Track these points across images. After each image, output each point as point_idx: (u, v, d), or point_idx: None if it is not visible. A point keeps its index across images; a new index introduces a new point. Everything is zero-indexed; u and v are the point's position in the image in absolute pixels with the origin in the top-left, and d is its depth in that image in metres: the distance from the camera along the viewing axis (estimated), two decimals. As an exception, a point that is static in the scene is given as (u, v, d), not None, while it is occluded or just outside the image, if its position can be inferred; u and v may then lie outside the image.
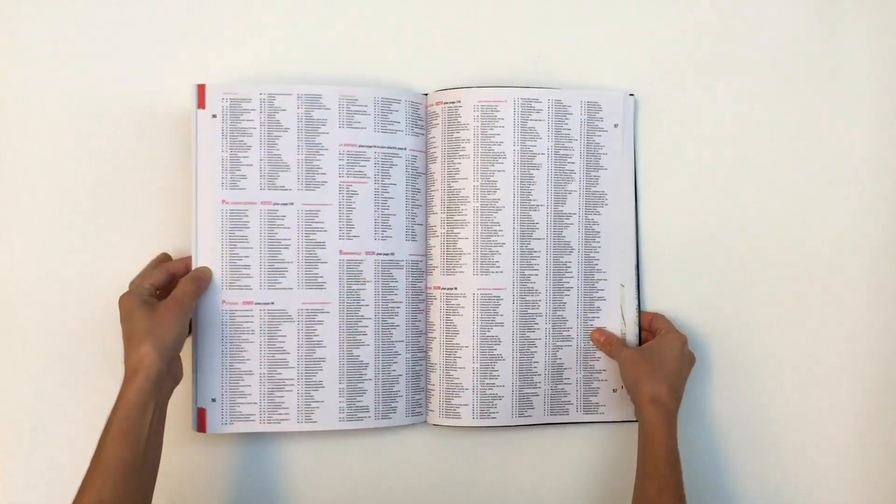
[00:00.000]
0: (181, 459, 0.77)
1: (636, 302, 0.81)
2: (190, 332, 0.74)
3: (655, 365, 0.74)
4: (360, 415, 0.76)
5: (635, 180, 0.82)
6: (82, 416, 0.77)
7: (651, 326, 0.80)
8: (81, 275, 0.79)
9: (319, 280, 0.75)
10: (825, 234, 0.84)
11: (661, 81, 0.83)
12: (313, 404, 0.75)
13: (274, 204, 0.75)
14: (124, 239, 0.79)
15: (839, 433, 0.83)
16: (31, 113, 0.79)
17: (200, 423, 0.74)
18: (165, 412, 0.67)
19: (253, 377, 0.74)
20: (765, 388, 0.83)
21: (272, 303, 0.75)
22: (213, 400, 0.74)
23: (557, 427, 0.81)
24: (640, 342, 0.81)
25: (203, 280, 0.73)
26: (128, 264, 0.75)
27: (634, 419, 0.77)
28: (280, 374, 0.75)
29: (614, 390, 0.80)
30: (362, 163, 0.77)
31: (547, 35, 0.83)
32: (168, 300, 0.69)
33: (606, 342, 0.80)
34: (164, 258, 0.75)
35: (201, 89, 0.75)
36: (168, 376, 0.67)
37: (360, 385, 0.76)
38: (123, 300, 0.68)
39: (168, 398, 0.68)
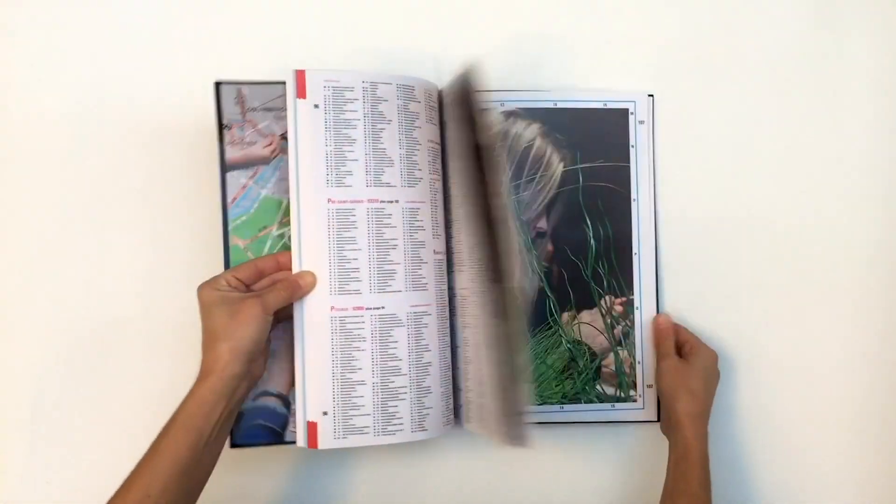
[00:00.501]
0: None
1: (656, 308, 0.82)
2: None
3: (691, 379, 0.74)
4: (454, 419, 0.76)
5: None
6: (82, 416, 0.76)
7: (676, 338, 0.79)
8: (82, 275, 0.78)
9: (423, 282, 0.72)
10: (829, 233, 0.84)
11: (664, 83, 0.84)
12: (424, 411, 0.72)
13: (381, 202, 0.70)
14: (125, 239, 0.78)
15: (840, 433, 0.84)
16: (34, 115, 0.78)
17: (311, 438, 0.69)
18: (235, 416, 0.65)
19: (366, 387, 0.70)
20: (765, 387, 0.83)
21: (383, 307, 0.70)
22: (325, 413, 0.69)
23: (575, 425, 0.81)
24: None
25: (302, 289, 0.68)
26: (128, 264, 0.76)
27: (655, 420, 0.80)
28: (393, 382, 0.71)
29: (649, 386, 0.81)
30: (438, 160, 0.75)
31: (560, 37, 0.84)
32: (253, 299, 0.64)
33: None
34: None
35: (300, 76, 0.68)
36: (244, 379, 0.64)
37: (454, 389, 0.75)
38: (202, 292, 0.65)
39: (242, 402, 0.65)
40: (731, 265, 0.84)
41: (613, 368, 0.81)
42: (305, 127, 0.68)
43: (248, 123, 0.74)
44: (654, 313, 0.81)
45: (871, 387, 0.84)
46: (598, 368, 0.81)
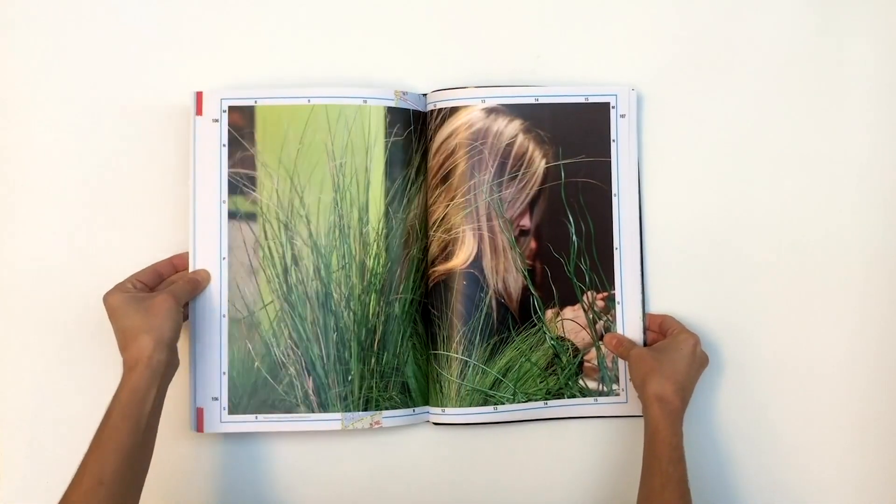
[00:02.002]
0: (176, 458, 0.79)
1: (641, 303, 0.82)
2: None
3: (664, 363, 0.74)
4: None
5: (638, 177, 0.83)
6: (82, 416, 0.74)
7: (661, 328, 0.81)
8: (81, 274, 0.79)
9: None
10: (825, 231, 0.84)
11: (660, 80, 0.84)
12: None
13: None
14: (123, 238, 0.80)
15: (840, 432, 0.83)
16: (31, 113, 0.80)
17: (199, 423, 0.77)
18: (163, 399, 0.69)
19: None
20: (765, 387, 0.83)
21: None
22: (214, 399, 0.77)
23: (560, 422, 0.82)
24: (645, 343, 0.82)
25: (200, 283, 0.77)
26: (127, 263, 0.76)
27: (640, 414, 0.78)
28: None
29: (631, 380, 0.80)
30: None
31: (546, 34, 0.84)
32: (162, 294, 0.71)
33: (618, 345, 0.80)
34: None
35: (199, 97, 0.78)
36: (169, 366, 0.69)
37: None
38: (109, 297, 0.70)
39: (167, 385, 0.69)
40: (719, 260, 0.84)
41: (596, 363, 0.82)
42: (202, 140, 0.78)
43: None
44: (639, 308, 0.82)
45: (866, 386, 0.84)
46: (581, 364, 0.81)
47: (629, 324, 0.82)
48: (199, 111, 0.77)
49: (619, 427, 0.83)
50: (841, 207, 0.84)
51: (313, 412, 0.78)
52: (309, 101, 0.78)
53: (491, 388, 0.80)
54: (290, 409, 0.77)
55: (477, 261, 0.80)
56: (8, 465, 0.78)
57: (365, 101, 0.79)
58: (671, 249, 0.83)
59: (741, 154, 0.84)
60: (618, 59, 0.84)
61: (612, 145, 0.82)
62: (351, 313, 0.78)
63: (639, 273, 0.82)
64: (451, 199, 0.80)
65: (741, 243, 0.84)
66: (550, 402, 0.81)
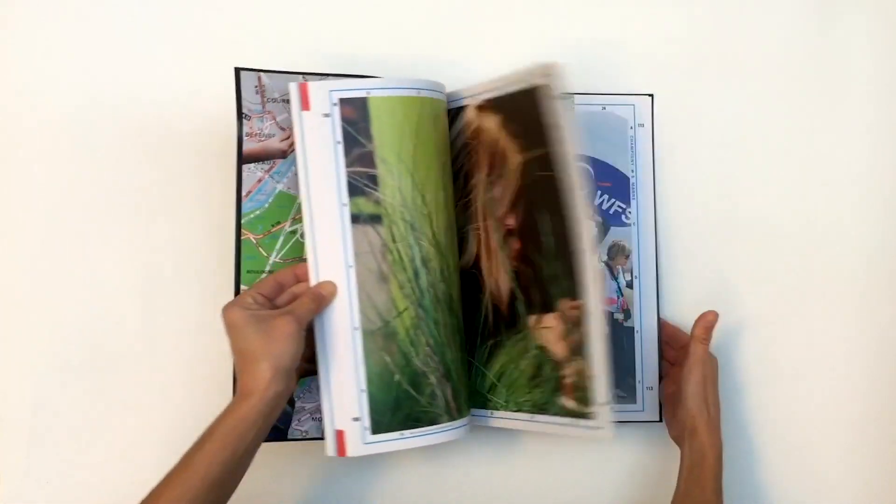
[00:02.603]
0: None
1: (656, 310, 0.81)
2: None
3: (707, 387, 0.73)
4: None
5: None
6: (82, 416, 0.77)
7: (672, 340, 0.80)
8: (82, 276, 0.79)
9: None
10: (831, 231, 0.85)
11: (664, 84, 0.84)
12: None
13: None
14: (125, 239, 0.79)
15: (840, 432, 0.84)
16: (34, 114, 0.80)
17: (340, 446, 0.70)
18: (269, 430, 0.65)
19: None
20: (765, 387, 0.84)
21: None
22: (355, 419, 0.70)
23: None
24: (660, 353, 0.80)
25: (325, 299, 0.70)
26: (128, 265, 0.77)
27: (659, 419, 0.79)
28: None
29: (649, 388, 0.80)
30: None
31: (561, 40, 0.85)
32: (284, 315, 0.65)
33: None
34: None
35: (303, 88, 0.70)
36: (285, 397, 0.65)
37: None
38: (229, 313, 0.64)
39: (277, 415, 0.65)
40: (732, 266, 0.85)
41: (572, 381, 0.73)
42: (313, 137, 0.70)
43: (267, 115, 0.74)
44: (655, 315, 0.81)
45: (873, 387, 0.84)
46: (559, 378, 0.74)
47: (647, 331, 0.81)
48: (305, 105, 0.69)
49: (634, 433, 0.83)
50: (850, 208, 0.85)
51: (453, 420, 0.74)
52: (419, 92, 0.73)
53: (489, 392, 0.79)
54: (434, 421, 0.73)
55: (477, 261, 0.80)
56: (8, 465, 0.77)
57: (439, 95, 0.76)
58: (680, 253, 0.84)
59: (748, 158, 0.85)
60: (622, 63, 0.85)
61: (630, 153, 0.82)
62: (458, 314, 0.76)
63: (655, 279, 0.81)
64: (459, 200, 0.81)
65: (748, 246, 0.85)
66: (537, 417, 0.76)
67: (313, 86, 0.70)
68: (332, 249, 0.70)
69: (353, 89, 0.70)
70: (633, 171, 0.82)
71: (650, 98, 0.83)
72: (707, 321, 0.76)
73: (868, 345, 0.85)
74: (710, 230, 0.84)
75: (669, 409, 0.76)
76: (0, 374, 0.78)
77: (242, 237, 0.74)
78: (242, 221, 0.74)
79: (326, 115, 0.70)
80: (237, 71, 0.73)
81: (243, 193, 0.74)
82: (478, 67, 0.81)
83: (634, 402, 0.80)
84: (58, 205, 0.79)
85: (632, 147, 0.83)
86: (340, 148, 0.70)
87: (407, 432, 0.71)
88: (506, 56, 0.81)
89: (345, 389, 0.70)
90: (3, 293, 0.78)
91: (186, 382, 0.77)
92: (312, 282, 0.70)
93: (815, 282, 0.85)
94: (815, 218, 0.85)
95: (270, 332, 0.63)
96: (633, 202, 0.82)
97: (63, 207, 0.79)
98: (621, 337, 0.81)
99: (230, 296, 0.72)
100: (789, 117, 0.85)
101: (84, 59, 0.80)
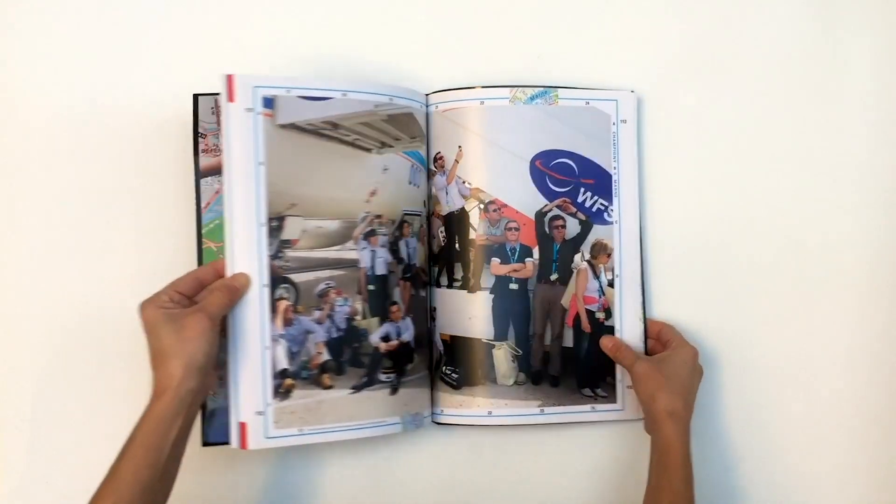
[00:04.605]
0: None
1: (642, 308, 0.81)
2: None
3: (671, 378, 0.73)
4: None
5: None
6: (82, 416, 0.77)
7: (660, 337, 0.80)
8: (81, 276, 0.79)
9: None
10: (826, 233, 0.84)
11: (660, 81, 0.83)
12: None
13: None
14: (123, 240, 0.80)
15: (834, 434, 0.83)
16: (32, 116, 0.80)
17: (242, 439, 0.70)
18: (191, 428, 0.65)
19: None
20: (764, 389, 0.83)
21: None
22: (259, 413, 0.71)
23: (561, 427, 0.81)
24: (646, 350, 0.80)
25: (238, 291, 0.70)
26: (127, 266, 0.78)
27: (641, 417, 0.77)
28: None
29: (629, 386, 0.79)
30: None
31: (547, 34, 0.84)
32: (196, 312, 0.65)
33: (615, 348, 0.79)
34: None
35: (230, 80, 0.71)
36: (199, 394, 0.65)
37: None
38: (144, 310, 0.65)
39: (196, 413, 0.65)
40: (719, 262, 0.84)
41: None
42: (235, 130, 0.71)
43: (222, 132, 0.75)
44: (638, 314, 0.81)
45: (866, 388, 0.84)
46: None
47: (627, 330, 0.81)
48: (230, 97, 0.71)
49: (614, 431, 0.82)
50: (841, 208, 0.84)
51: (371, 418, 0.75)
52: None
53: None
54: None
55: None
56: (8, 465, 0.77)
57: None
58: (670, 252, 0.83)
59: (741, 156, 0.84)
60: (617, 61, 0.84)
61: (613, 149, 0.81)
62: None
63: (639, 278, 0.81)
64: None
65: (740, 245, 0.84)
66: (546, 409, 0.79)
67: (239, 78, 0.71)
68: (247, 242, 0.71)
69: (275, 87, 0.72)
70: (615, 167, 0.82)
71: (633, 94, 0.82)
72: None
73: (868, 346, 0.84)
74: (700, 229, 0.83)
75: (641, 403, 0.75)
76: (0, 374, 0.78)
77: (204, 246, 0.77)
78: (203, 231, 0.77)
79: (249, 110, 0.71)
80: (195, 97, 0.77)
81: (203, 205, 0.78)
82: (464, 64, 0.83)
83: (615, 401, 0.80)
84: (57, 206, 0.80)
85: (614, 143, 0.82)
86: (261, 143, 0.72)
87: (307, 428, 0.72)
88: (495, 50, 0.83)
89: (250, 382, 0.70)
90: (3, 293, 0.79)
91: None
92: (228, 274, 0.70)
93: (808, 281, 0.84)
94: (814, 219, 0.84)
95: (182, 331, 0.63)
96: (615, 199, 0.82)
97: (63, 208, 0.80)
98: (602, 336, 0.81)
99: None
100: (782, 114, 0.84)
101: (68, 64, 0.81)
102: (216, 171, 0.77)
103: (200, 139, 0.78)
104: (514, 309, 0.79)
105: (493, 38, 0.83)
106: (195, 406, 0.65)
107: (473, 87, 0.80)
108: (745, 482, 0.82)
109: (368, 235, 0.76)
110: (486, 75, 0.82)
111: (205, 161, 0.78)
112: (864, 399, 0.83)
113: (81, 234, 0.80)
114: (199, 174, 0.77)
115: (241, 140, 0.71)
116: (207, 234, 0.77)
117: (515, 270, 0.79)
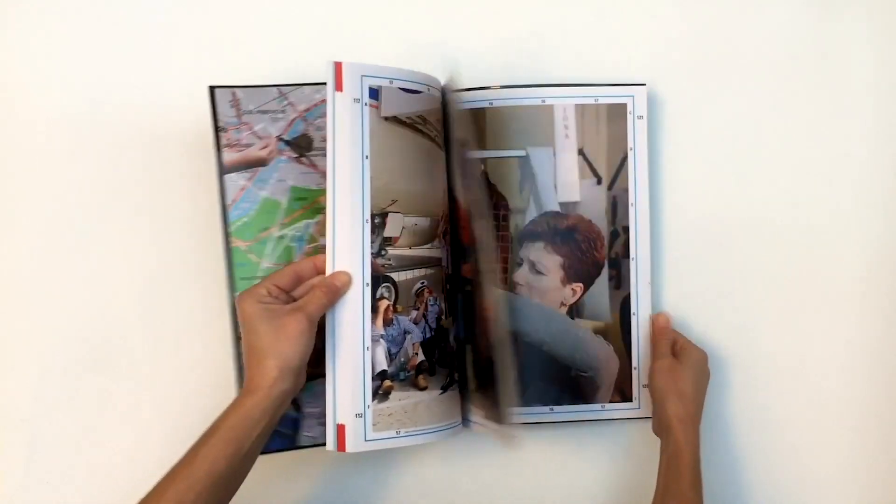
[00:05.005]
0: None
1: (650, 305, 0.81)
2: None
3: (682, 382, 0.73)
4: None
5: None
6: (82, 416, 0.77)
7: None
8: (83, 276, 0.79)
9: None
10: (833, 231, 0.83)
11: (665, 79, 0.83)
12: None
13: None
14: (124, 240, 0.79)
15: (839, 434, 0.83)
16: (34, 116, 0.79)
17: (340, 441, 0.68)
18: (274, 428, 0.65)
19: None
20: (769, 388, 0.83)
21: None
22: (358, 415, 0.68)
23: (578, 424, 0.81)
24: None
25: (339, 290, 0.67)
26: (127, 266, 0.77)
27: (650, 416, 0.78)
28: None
29: (645, 385, 0.80)
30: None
31: (555, 29, 0.84)
32: (295, 312, 0.64)
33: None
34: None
35: (338, 68, 0.68)
36: (291, 394, 0.64)
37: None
38: (242, 303, 0.64)
39: (282, 414, 0.65)
40: (731, 264, 0.84)
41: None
42: (342, 121, 0.68)
43: (243, 126, 0.75)
44: (649, 314, 0.81)
45: (871, 388, 0.83)
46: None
47: (643, 335, 0.81)
48: (338, 86, 0.68)
49: (628, 430, 0.83)
50: (848, 206, 0.84)
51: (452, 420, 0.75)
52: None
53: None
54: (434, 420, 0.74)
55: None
56: (8, 465, 0.77)
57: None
58: (676, 252, 0.83)
59: (748, 154, 0.84)
60: (622, 57, 0.84)
61: (630, 152, 0.81)
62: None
63: (648, 279, 0.81)
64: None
65: (747, 244, 0.84)
66: (556, 408, 0.80)
67: (347, 66, 0.68)
68: (350, 239, 0.68)
69: (381, 77, 0.70)
70: (632, 164, 0.81)
71: (643, 87, 0.81)
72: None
73: (868, 345, 0.84)
74: (707, 227, 0.83)
75: (653, 402, 0.76)
76: (0, 374, 0.78)
77: (232, 245, 0.75)
78: (230, 229, 0.75)
79: (357, 101, 0.68)
80: (211, 89, 0.74)
81: (228, 202, 0.75)
82: (469, 58, 0.81)
83: (630, 399, 0.81)
84: (58, 207, 0.79)
85: (631, 147, 0.81)
86: (366, 136, 0.69)
87: (403, 430, 0.70)
88: (501, 48, 0.83)
89: (349, 384, 0.68)
90: (3, 293, 0.78)
91: (185, 384, 0.77)
92: (328, 272, 0.68)
93: (817, 281, 0.84)
94: (816, 216, 0.84)
95: (280, 330, 0.62)
96: (631, 204, 0.81)
97: (63, 209, 0.79)
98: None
99: (226, 299, 0.74)
100: (791, 111, 0.84)
101: (78, 63, 0.80)
102: (241, 166, 0.74)
103: (221, 133, 0.74)
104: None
105: (499, 35, 0.84)
106: (283, 407, 0.64)
107: (478, 89, 0.79)
108: (751, 482, 0.83)
109: (444, 234, 0.75)
110: (492, 73, 0.82)
111: (228, 156, 0.75)
112: (870, 399, 0.83)
113: (81, 233, 0.79)
114: (224, 170, 0.74)
115: (349, 132, 0.68)
116: (235, 232, 0.75)
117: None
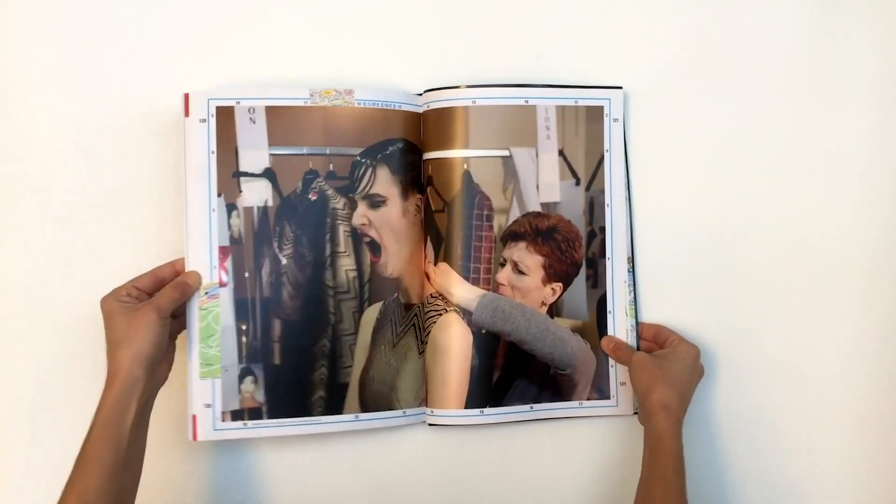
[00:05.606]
0: (166, 466, 0.79)
1: (634, 308, 0.82)
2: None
3: (668, 372, 0.75)
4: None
5: (627, 179, 0.83)
6: (82, 416, 0.74)
7: (656, 338, 0.81)
8: (80, 276, 0.79)
9: None
10: (823, 233, 0.84)
11: (655, 81, 0.83)
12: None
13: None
14: (121, 240, 0.80)
15: (840, 434, 0.84)
16: (27, 117, 0.79)
17: (193, 431, 0.75)
18: (148, 414, 0.70)
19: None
20: (764, 389, 0.84)
21: None
22: (207, 405, 0.76)
23: (558, 421, 0.83)
24: (638, 349, 0.82)
25: (191, 287, 0.75)
26: (124, 265, 0.76)
27: (635, 412, 0.80)
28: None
29: (622, 383, 0.82)
30: None
31: (543, 33, 0.84)
32: (146, 305, 0.70)
33: (616, 349, 0.81)
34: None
35: (186, 98, 0.76)
36: (147, 382, 0.68)
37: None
38: (103, 302, 0.70)
39: (150, 401, 0.70)
40: (715, 263, 0.84)
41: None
42: (193, 140, 0.76)
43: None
44: (629, 317, 0.82)
45: (865, 387, 0.84)
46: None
47: (619, 333, 0.82)
48: (186, 112, 0.76)
49: (608, 426, 0.84)
50: (839, 208, 0.84)
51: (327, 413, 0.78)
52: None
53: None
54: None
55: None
56: (8, 465, 0.78)
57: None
58: (664, 254, 0.83)
59: (736, 156, 0.84)
60: (611, 59, 0.84)
61: (605, 154, 0.82)
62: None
63: (629, 281, 0.82)
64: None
65: (736, 246, 0.84)
66: (535, 406, 0.80)
67: (193, 94, 0.76)
68: (201, 238, 0.76)
69: (225, 98, 0.76)
70: (608, 166, 0.83)
71: (620, 90, 0.82)
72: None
73: (868, 346, 0.84)
74: (695, 229, 0.84)
75: (637, 395, 0.77)
76: (0, 374, 0.79)
77: None
78: None
79: (203, 121, 0.76)
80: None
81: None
82: (454, 61, 0.83)
83: (608, 397, 0.82)
84: (58, 207, 0.80)
85: (607, 149, 0.83)
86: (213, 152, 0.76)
87: (251, 423, 0.76)
88: (489, 49, 0.83)
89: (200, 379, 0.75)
90: (3, 294, 0.79)
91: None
92: (187, 270, 0.75)
93: (803, 282, 0.84)
94: (811, 219, 0.84)
95: (131, 322, 0.68)
96: (607, 205, 0.83)
97: (63, 209, 0.80)
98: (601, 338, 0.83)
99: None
100: (778, 112, 0.84)
101: (71, 65, 0.80)
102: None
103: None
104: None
105: (488, 36, 0.83)
106: (146, 394, 0.68)
107: (463, 87, 0.80)
108: (742, 481, 0.83)
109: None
110: (479, 74, 0.82)
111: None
112: (863, 399, 0.84)
113: (81, 233, 0.80)
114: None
115: (196, 151, 0.76)
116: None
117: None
